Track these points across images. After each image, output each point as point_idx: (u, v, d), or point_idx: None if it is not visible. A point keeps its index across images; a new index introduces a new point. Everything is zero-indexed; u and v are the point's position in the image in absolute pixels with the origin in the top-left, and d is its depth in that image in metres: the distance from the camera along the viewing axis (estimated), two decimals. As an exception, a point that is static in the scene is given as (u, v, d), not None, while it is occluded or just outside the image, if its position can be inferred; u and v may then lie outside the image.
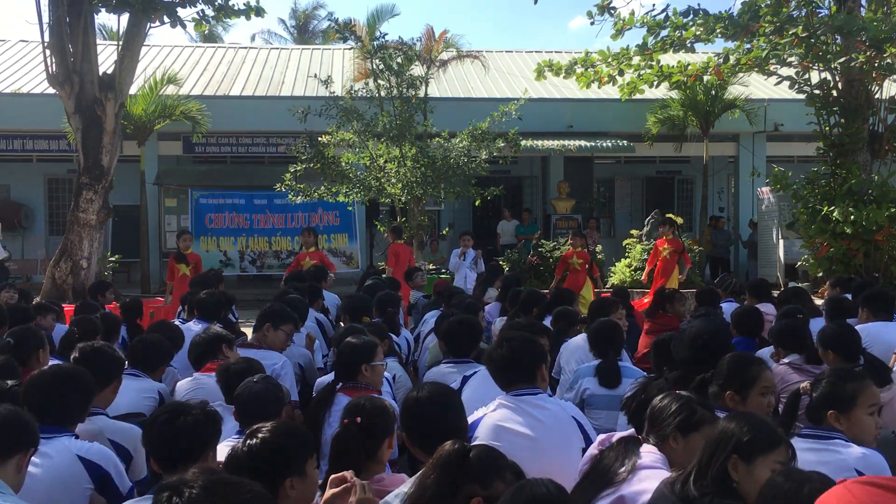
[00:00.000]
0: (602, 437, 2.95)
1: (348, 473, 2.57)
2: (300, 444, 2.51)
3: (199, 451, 2.67)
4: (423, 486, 2.19)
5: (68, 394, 3.16)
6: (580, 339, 5.36)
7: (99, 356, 3.72)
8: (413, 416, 2.80)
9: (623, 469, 2.66)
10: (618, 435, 2.86)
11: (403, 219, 13.26)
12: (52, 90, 12.86)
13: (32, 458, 2.89)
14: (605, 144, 16.95)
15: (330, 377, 4.34)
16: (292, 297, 6.27)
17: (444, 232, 16.41)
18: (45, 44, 12.12)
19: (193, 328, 5.77)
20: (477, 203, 13.86)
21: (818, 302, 7.80)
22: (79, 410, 3.23)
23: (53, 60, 11.99)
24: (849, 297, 6.60)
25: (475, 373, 4.10)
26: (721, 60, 12.37)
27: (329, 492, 2.47)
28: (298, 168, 13.02)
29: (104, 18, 29.82)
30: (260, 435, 2.51)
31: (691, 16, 11.69)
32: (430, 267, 13.22)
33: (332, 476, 2.52)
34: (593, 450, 2.88)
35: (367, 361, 3.94)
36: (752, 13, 11.07)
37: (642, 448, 2.78)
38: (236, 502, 1.77)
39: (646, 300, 10.69)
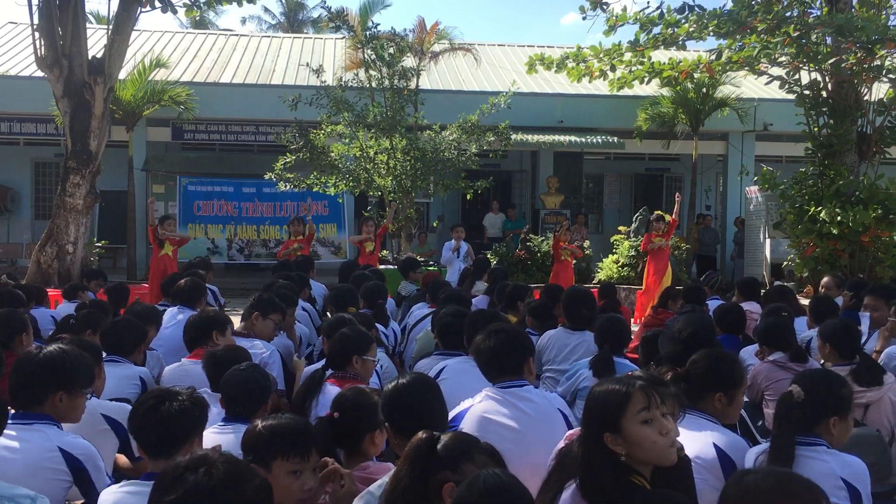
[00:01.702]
0: (570, 432, 2.96)
1: (329, 460, 2.60)
2: (262, 444, 2.52)
3: (184, 438, 2.65)
4: (398, 478, 2.21)
5: (49, 379, 3.08)
6: (560, 332, 5.35)
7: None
8: (392, 405, 2.79)
9: None
10: None
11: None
12: (40, 73, 12.76)
13: (11, 443, 2.88)
14: (594, 140, 16.98)
15: (318, 366, 4.34)
16: (282, 283, 6.29)
17: (434, 224, 16.41)
18: (35, 26, 12.02)
19: (180, 317, 5.79)
20: (469, 197, 13.86)
21: (804, 301, 7.86)
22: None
23: (42, 43, 11.89)
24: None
25: (444, 368, 4.10)
26: (713, 57, 12.39)
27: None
28: (289, 159, 12.98)
29: (94, 4, 29.57)
30: (259, 423, 2.59)
31: (686, 12, 11.70)
32: (418, 259, 13.21)
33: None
34: (561, 444, 2.89)
35: (360, 354, 3.94)
36: (748, 9, 11.08)
37: None
38: (250, 480, 1.85)
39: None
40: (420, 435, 2.23)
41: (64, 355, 3.13)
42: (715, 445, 2.94)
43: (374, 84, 13.24)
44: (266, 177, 13.41)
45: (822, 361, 4.67)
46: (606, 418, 2.32)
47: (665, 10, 11.89)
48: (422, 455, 2.18)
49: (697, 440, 2.94)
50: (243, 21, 37.57)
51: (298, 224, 11.17)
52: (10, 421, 2.96)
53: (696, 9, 11.65)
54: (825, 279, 7.65)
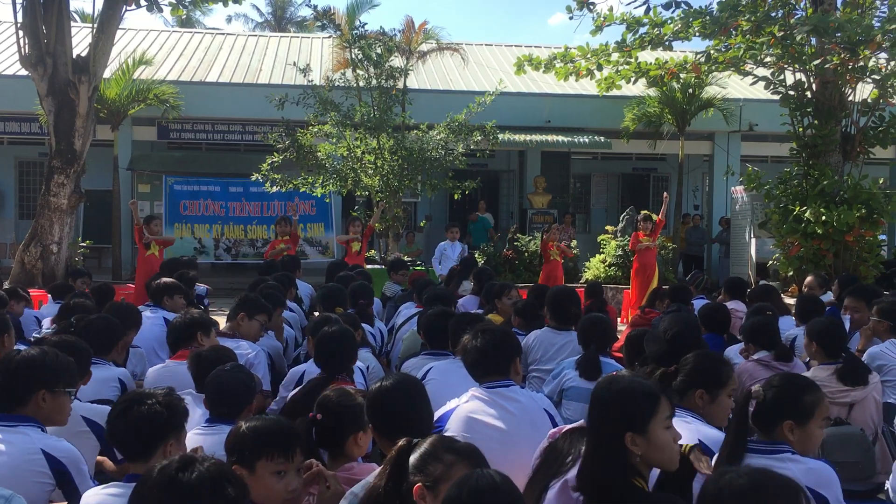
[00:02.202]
0: (552, 430, 2.97)
1: (314, 462, 2.61)
2: (245, 445, 2.51)
3: (157, 440, 2.63)
4: (377, 484, 2.25)
5: (30, 378, 3.05)
6: (546, 332, 5.35)
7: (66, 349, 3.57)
8: (377, 406, 2.79)
9: (570, 458, 2.67)
10: (566, 427, 2.88)
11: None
12: (24, 72, 12.67)
13: None
14: (582, 140, 17.02)
15: (305, 367, 4.33)
16: (269, 283, 6.28)
17: (421, 224, 16.39)
18: (18, 24, 11.93)
19: (150, 315, 5.79)
20: (456, 197, 13.86)
21: (788, 300, 7.90)
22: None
23: (26, 41, 11.82)
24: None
25: (430, 369, 4.11)
26: (702, 59, 12.46)
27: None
28: (276, 158, 12.93)
29: (79, 2, 29.38)
30: (243, 424, 2.58)
31: (672, 8, 11.75)
32: (406, 259, 13.20)
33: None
34: (544, 442, 2.89)
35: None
36: (731, 10, 11.14)
37: None
38: (229, 483, 1.87)
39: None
40: (400, 442, 2.26)
41: (43, 355, 3.11)
42: (700, 441, 2.95)
43: (361, 84, 13.22)
44: (253, 177, 13.36)
45: (808, 360, 4.70)
46: (634, 419, 2.34)
47: (650, 7, 11.96)
48: (399, 460, 2.21)
49: (682, 435, 2.95)
50: (229, 20, 37.49)
51: (285, 224, 11.14)
52: (-8, 423, 2.94)
53: (683, 5, 11.70)
54: (808, 278, 7.70)
